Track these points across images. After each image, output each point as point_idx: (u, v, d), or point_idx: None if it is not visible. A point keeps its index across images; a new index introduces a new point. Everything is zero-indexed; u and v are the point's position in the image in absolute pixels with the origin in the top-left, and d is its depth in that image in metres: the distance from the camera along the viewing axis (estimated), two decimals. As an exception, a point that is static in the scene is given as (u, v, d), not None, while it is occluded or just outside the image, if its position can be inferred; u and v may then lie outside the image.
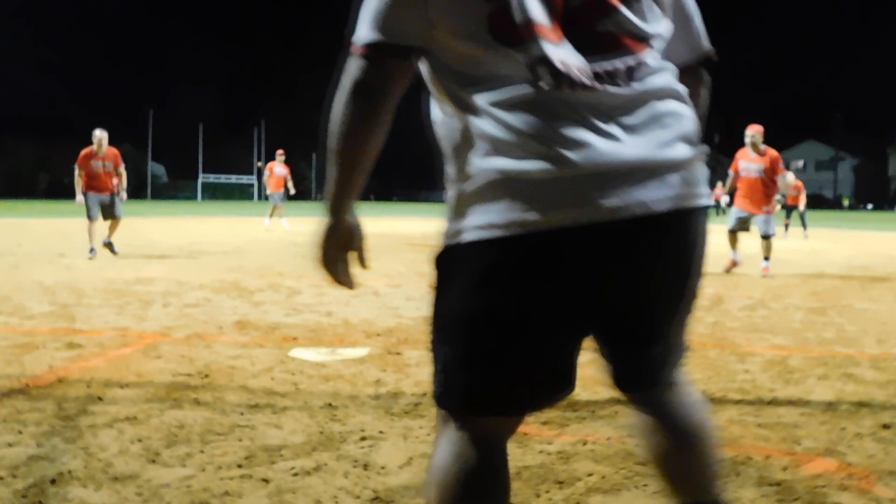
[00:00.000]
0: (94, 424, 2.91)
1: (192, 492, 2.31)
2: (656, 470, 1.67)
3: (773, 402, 3.44)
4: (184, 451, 2.65)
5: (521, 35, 1.23)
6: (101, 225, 10.14)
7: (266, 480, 2.41)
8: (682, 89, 1.38)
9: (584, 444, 2.80)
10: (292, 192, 18.94)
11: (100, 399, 3.25)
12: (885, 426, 3.08)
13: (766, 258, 9.08)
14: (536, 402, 1.44)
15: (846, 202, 72.73)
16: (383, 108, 1.35)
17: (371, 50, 1.30)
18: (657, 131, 1.27)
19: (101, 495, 2.26)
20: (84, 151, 10.24)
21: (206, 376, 3.71)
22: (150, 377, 3.67)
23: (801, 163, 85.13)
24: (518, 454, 2.66)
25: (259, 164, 72.55)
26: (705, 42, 1.54)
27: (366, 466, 2.54)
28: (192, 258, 9.96)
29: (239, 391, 3.44)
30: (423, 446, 2.72)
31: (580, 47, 1.25)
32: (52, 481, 2.34)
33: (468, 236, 1.30)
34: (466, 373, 1.34)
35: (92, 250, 9.92)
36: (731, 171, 9.48)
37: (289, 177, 18.67)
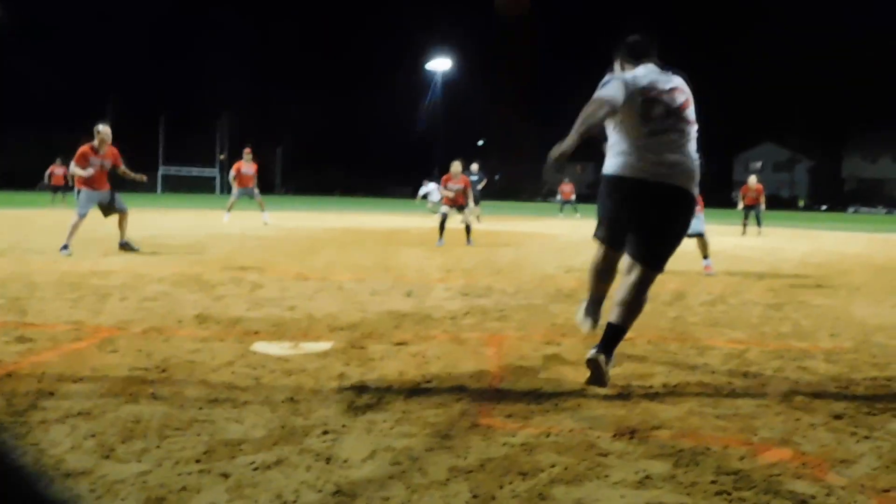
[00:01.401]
0: (46, 420, 2.84)
1: (147, 487, 2.26)
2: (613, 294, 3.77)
3: (731, 394, 3.49)
4: (140, 446, 2.60)
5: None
6: (101, 224, 9.73)
7: (225, 475, 2.37)
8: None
9: (548, 435, 2.82)
10: (257, 196, 18.28)
11: (51, 394, 3.17)
12: (838, 416, 3.15)
13: (706, 256, 8.99)
14: (614, 243, 3.77)
15: (802, 203, 74.14)
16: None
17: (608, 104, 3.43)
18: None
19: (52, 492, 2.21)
20: (83, 149, 9.57)
21: (164, 370, 3.65)
22: (105, 371, 3.60)
23: (759, 164, 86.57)
24: (482, 446, 2.67)
25: (222, 156, 71.64)
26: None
27: (328, 460, 2.52)
28: (151, 251, 9.78)
29: (198, 386, 3.39)
30: (387, 439, 2.71)
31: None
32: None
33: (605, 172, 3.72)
34: (598, 227, 3.81)
35: (66, 247, 9.19)
36: None
37: (255, 175, 18.16)
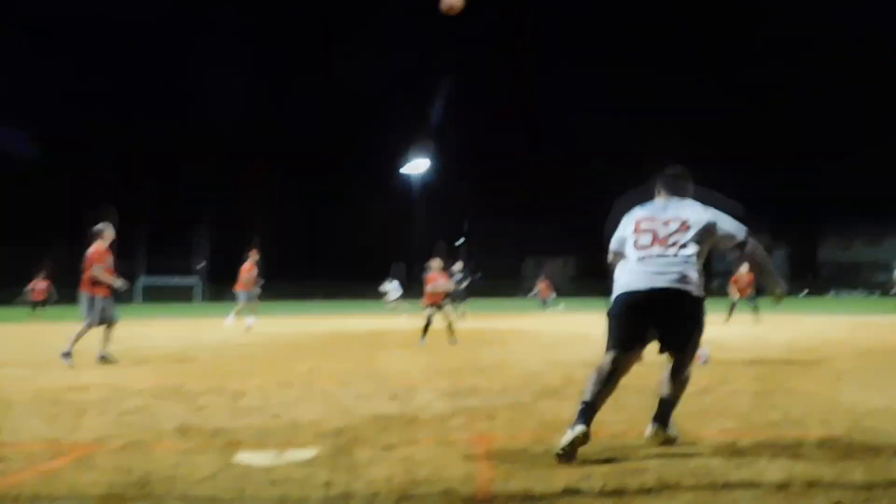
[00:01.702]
0: (23, 543, 2.72)
1: None
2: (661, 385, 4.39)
3: (727, 486, 3.43)
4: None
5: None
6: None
7: None
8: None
9: None
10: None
11: (29, 515, 3.05)
12: (837, 503, 3.09)
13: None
14: (626, 349, 4.22)
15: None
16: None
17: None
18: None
19: None
20: (103, 250, 9.67)
21: (144, 486, 3.53)
22: (83, 490, 3.48)
23: (736, 252, 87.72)
24: None
25: (202, 264, 71.57)
26: (731, 236, 4.44)
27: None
28: (130, 363, 9.63)
29: (180, 501, 3.29)
30: (375, 549, 2.62)
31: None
32: None
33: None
34: (610, 336, 4.31)
35: (68, 354, 9.26)
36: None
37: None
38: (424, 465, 3.92)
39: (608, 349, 4.29)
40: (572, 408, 5.70)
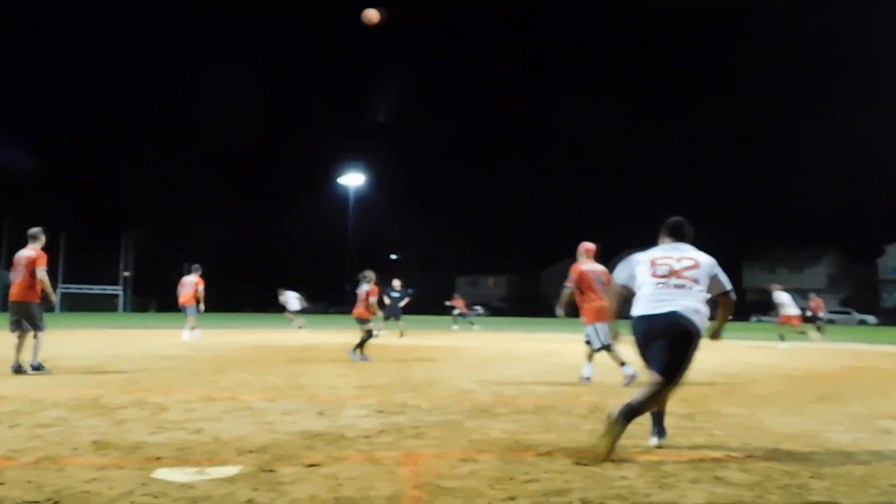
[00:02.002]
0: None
1: None
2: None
3: (651, 508, 3.46)
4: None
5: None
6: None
7: None
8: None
9: None
10: (201, 302, 18.68)
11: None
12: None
13: (622, 364, 9.05)
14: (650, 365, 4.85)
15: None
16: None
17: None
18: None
19: None
20: (43, 254, 9.43)
21: (56, 503, 3.38)
22: (-10, 506, 3.31)
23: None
24: None
25: (126, 273, 69.53)
26: (725, 285, 5.17)
27: None
28: (47, 374, 9.26)
29: (93, 518, 3.15)
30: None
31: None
32: None
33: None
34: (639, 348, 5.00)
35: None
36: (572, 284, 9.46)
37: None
38: (350, 483, 3.86)
39: (641, 351, 5.05)
40: (501, 426, 5.74)
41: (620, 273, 5.27)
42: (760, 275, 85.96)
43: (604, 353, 9.16)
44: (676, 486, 3.90)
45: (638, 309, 5.00)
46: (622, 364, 9.01)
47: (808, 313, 20.66)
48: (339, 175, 60.45)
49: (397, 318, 22.29)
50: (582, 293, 9.35)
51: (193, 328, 18.33)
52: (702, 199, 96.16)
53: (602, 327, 9.08)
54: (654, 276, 5.00)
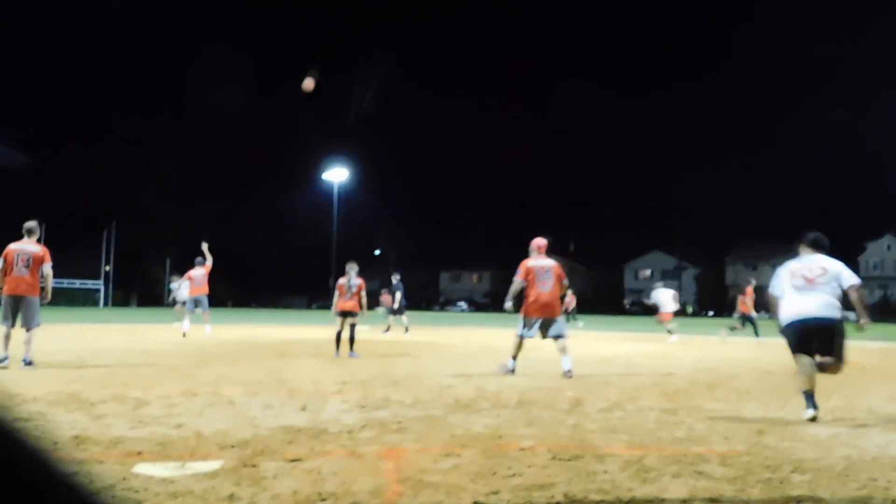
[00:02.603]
0: None
1: None
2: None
3: (632, 502, 3.47)
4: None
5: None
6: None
7: None
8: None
9: None
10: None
11: None
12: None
13: (515, 357, 9.56)
14: (804, 351, 6.23)
15: (690, 309, 77.11)
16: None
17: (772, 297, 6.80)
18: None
19: None
20: (47, 249, 9.41)
21: (34, 498, 3.33)
22: (-34, 502, 3.26)
23: (648, 272, 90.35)
24: None
25: (107, 267, 68.99)
26: (847, 281, 6.34)
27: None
28: (26, 368, 9.16)
29: (71, 513, 3.11)
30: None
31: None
32: None
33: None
34: (791, 346, 6.35)
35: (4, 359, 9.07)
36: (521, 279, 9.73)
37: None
38: (332, 478, 3.85)
39: (794, 353, 6.30)
40: (484, 421, 5.74)
41: (774, 283, 6.66)
42: (743, 271, 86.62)
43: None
44: (658, 480, 3.91)
45: (785, 312, 6.37)
46: (514, 357, 9.53)
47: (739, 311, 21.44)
48: (324, 170, 60.17)
49: (401, 313, 21.84)
50: (529, 288, 9.66)
51: (197, 322, 18.09)
52: (684, 197, 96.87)
53: (538, 321, 9.53)
54: (793, 286, 6.42)
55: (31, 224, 9.41)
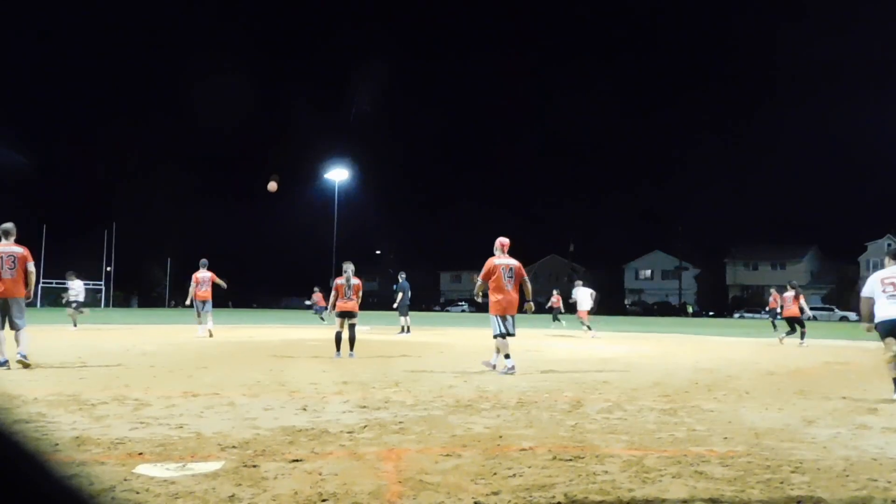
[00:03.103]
0: None
1: None
2: None
3: (632, 502, 3.48)
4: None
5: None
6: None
7: None
8: None
9: None
10: (224, 285, 18.46)
11: None
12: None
13: (507, 356, 9.71)
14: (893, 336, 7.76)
15: (690, 309, 77.02)
16: None
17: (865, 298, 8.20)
18: None
19: None
20: (27, 249, 9.42)
21: (35, 499, 3.34)
22: (-33, 503, 3.27)
23: (648, 272, 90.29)
24: None
25: (108, 268, 69.01)
26: None
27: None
28: (26, 370, 9.17)
29: (72, 514, 3.11)
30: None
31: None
32: None
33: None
34: (883, 335, 7.83)
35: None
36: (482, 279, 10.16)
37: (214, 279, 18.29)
38: (332, 479, 3.85)
39: (884, 339, 7.70)
40: (484, 421, 5.75)
41: (866, 288, 7.97)
42: (743, 272, 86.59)
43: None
44: (658, 480, 3.92)
45: (879, 314, 7.75)
46: (507, 356, 9.65)
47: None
48: (324, 170, 60.14)
49: (404, 314, 21.70)
50: (493, 286, 9.99)
51: (202, 323, 18.18)
52: (684, 197, 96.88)
53: (508, 319, 9.85)
54: (885, 293, 7.73)
55: (7, 225, 9.43)
